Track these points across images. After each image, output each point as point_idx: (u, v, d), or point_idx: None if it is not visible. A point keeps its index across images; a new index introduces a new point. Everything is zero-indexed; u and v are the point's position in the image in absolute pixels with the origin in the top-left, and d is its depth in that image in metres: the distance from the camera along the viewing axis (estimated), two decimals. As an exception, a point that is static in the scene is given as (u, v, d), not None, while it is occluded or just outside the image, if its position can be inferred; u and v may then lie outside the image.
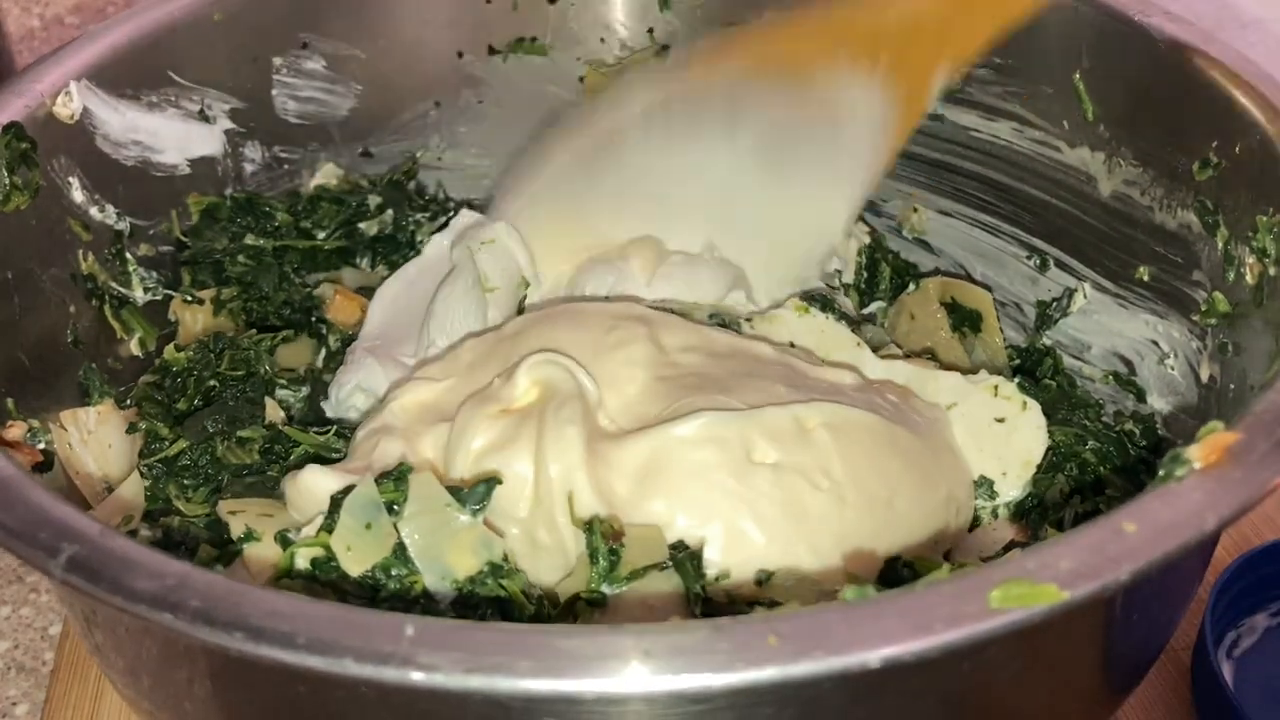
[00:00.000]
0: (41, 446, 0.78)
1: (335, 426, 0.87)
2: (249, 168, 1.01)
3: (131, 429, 0.84)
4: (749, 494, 0.73)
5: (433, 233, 1.02)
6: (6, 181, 0.81)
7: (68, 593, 0.65)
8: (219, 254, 0.97)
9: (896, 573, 0.74)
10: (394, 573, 0.69)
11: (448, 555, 0.69)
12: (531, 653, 0.49)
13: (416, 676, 0.49)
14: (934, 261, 1.05)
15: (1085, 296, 0.94)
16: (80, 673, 0.90)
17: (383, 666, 0.49)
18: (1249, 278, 0.76)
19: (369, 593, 0.69)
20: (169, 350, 0.90)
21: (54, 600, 0.97)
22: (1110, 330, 0.92)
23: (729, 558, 0.72)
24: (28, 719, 0.89)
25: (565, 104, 1.07)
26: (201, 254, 0.97)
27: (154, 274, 0.95)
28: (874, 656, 0.49)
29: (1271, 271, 0.73)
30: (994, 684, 0.60)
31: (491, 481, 0.72)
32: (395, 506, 0.70)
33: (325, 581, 0.69)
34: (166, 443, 0.83)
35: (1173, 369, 0.85)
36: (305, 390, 0.93)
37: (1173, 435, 0.83)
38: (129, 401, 0.86)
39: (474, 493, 0.71)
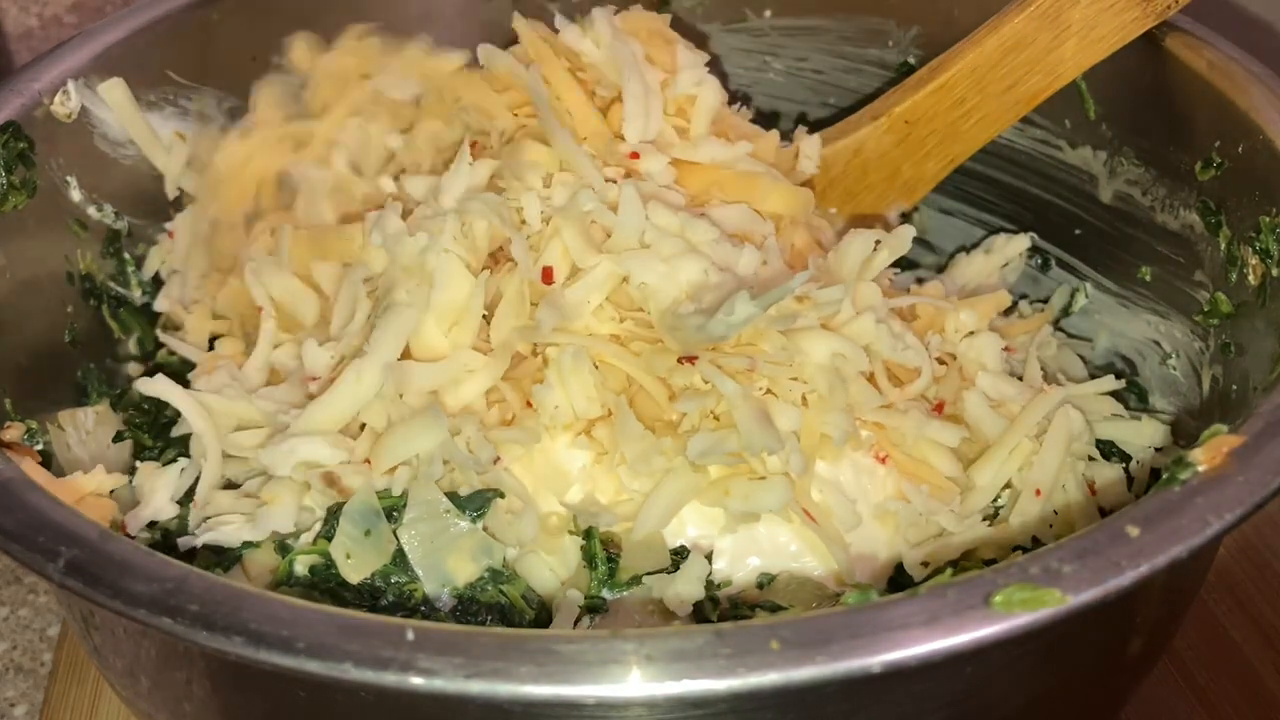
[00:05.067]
0: (39, 447, 0.78)
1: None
2: (248, 166, 1.01)
3: (118, 437, 0.84)
4: None
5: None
6: (4, 181, 0.81)
7: (66, 595, 0.65)
8: (217, 253, 0.97)
9: (903, 574, 0.74)
10: (393, 580, 0.69)
11: (447, 561, 0.69)
12: (532, 658, 0.49)
13: (416, 681, 0.49)
14: (935, 260, 1.04)
15: (1087, 296, 0.94)
16: (78, 674, 0.90)
17: (383, 671, 0.49)
18: (1251, 279, 0.75)
19: (368, 600, 0.69)
20: (162, 354, 0.89)
21: (52, 601, 0.96)
22: (1112, 330, 0.92)
23: (735, 565, 0.72)
24: (26, 720, 0.89)
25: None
26: (200, 253, 0.96)
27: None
28: (876, 661, 0.49)
29: (1274, 272, 0.73)
30: (996, 687, 0.59)
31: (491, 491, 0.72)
32: (395, 513, 0.69)
33: (324, 589, 0.69)
34: (156, 450, 0.82)
35: (1175, 369, 0.85)
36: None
37: (1175, 436, 0.83)
38: (118, 409, 0.85)
39: (473, 499, 0.71)
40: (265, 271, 0.82)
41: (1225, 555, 0.93)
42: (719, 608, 0.71)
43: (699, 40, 1.04)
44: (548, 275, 0.75)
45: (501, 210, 0.75)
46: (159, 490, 0.76)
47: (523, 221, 0.78)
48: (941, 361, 0.82)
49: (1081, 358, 0.93)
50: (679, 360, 0.71)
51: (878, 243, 0.79)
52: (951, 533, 0.74)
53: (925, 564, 0.74)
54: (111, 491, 0.80)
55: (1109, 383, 0.83)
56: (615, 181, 0.79)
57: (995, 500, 0.77)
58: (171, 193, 0.95)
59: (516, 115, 0.84)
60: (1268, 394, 0.62)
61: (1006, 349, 0.84)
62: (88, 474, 0.75)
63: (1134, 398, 0.88)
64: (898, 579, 0.74)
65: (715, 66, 1.07)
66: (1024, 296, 0.98)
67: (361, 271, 0.77)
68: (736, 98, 1.06)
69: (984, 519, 0.76)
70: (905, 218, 0.98)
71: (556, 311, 0.72)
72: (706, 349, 0.71)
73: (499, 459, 0.71)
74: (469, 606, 0.69)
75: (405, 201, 0.81)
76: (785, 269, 0.78)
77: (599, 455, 0.72)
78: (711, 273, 0.74)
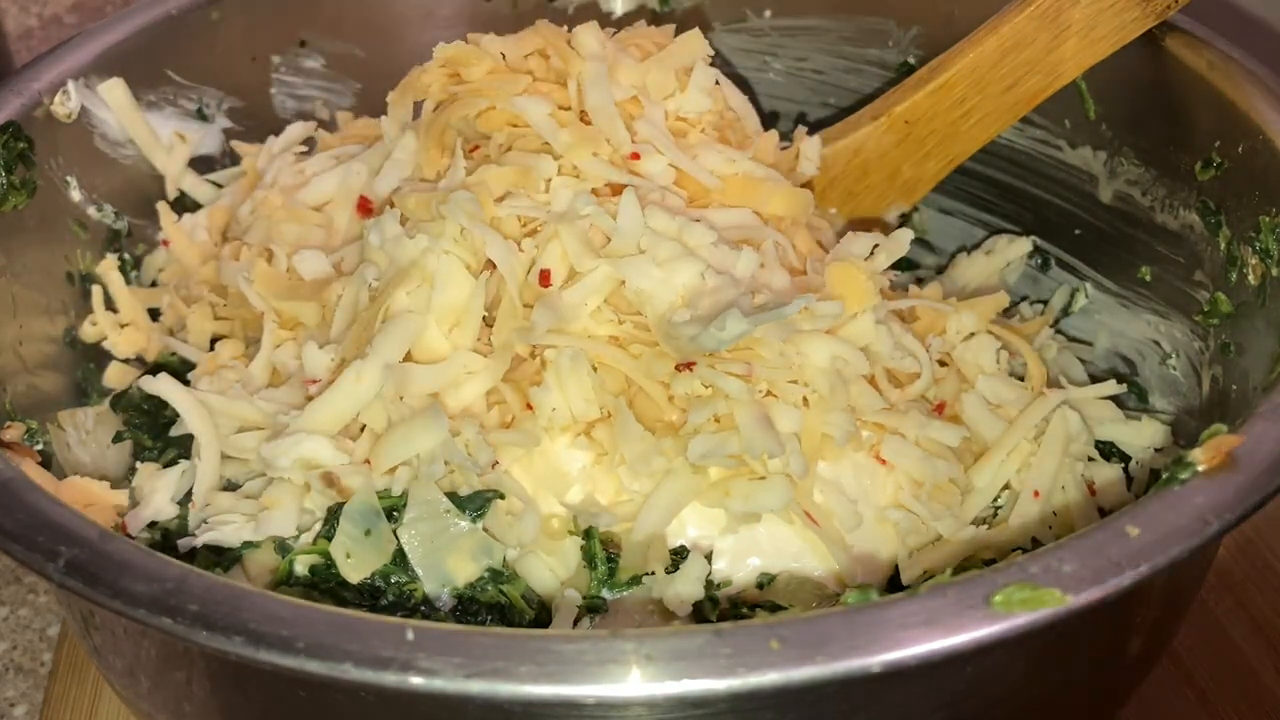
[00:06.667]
0: (39, 447, 0.78)
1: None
2: (248, 167, 1.01)
3: (118, 438, 0.84)
4: None
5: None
6: (4, 181, 0.81)
7: (66, 595, 0.65)
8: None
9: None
10: (393, 580, 0.69)
11: (447, 561, 0.69)
12: (532, 657, 0.49)
13: (416, 681, 0.49)
14: (935, 260, 1.04)
15: (1087, 296, 0.94)
16: (78, 674, 0.90)
17: (383, 671, 0.49)
18: (1251, 278, 0.75)
19: (368, 600, 0.69)
20: (161, 354, 0.89)
21: (52, 601, 0.96)
22: (1112, 330, 0.92)
23: (735, 565, 0.72)
24: (26, 720, 0.89)
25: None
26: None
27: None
28: (876, 661, 0.49)
29: (1274, 272, 0.73)
30: (996, 687, 0.59)
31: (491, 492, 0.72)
32: (395, 513, 0.69)
33: (324, 589, 0.69)
34: (155, 451, 0.82)
35: (1175, 369, 0.85)
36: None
37: (1175, 436, 0.83)
38: (118, 409, 0.85)
39: (473, 499, 0.70)
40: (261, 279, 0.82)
41: (1225, 555, 0.93)
42: (719, 608, 0.71)
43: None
44: (545, 278, 0.75)
45: (474, 211, 0.74)
46: (159, 491, 0.76)
47: (523, 224, 0.78)
48: (943, 363, 0.82)
49: (1081, 359, 0.93)
50: (676, 367, 0.71)
51: (876, 246, 0.79)
52: (949, 541, 0.74)
53: (925, 574, 0.74)
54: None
55: (1110, 387, 0.83)
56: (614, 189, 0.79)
57: (995, 501, 0.77)
58: (172, 193, 0.95)
59: (515, 126, 0.84)
60: (1268, 394, 0.62)
61: (1008, 352, 0.84)
62: (97, 486, 0.75)
63: (1134, 398, 0.88)
64: (898, 579, 0.74)
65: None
66: (1024, 298, 0.98)
67: (371, 271, 0.77)
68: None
69: (983, 524, 0.76)
70: (905, 218, 0.98)
71: (552, 313, 0.72)
72: (704, 355, 0.71)
73: (497, 463, 0.71)
74: (469, 606, 0.69)
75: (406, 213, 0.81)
76: (784, 273, 0.78)
77: (599, 456, 0.72)
78: (708, 276, 0.74)
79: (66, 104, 0.86)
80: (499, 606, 0.70)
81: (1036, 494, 0.75)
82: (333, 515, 0.70)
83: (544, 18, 0.92)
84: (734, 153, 0.85)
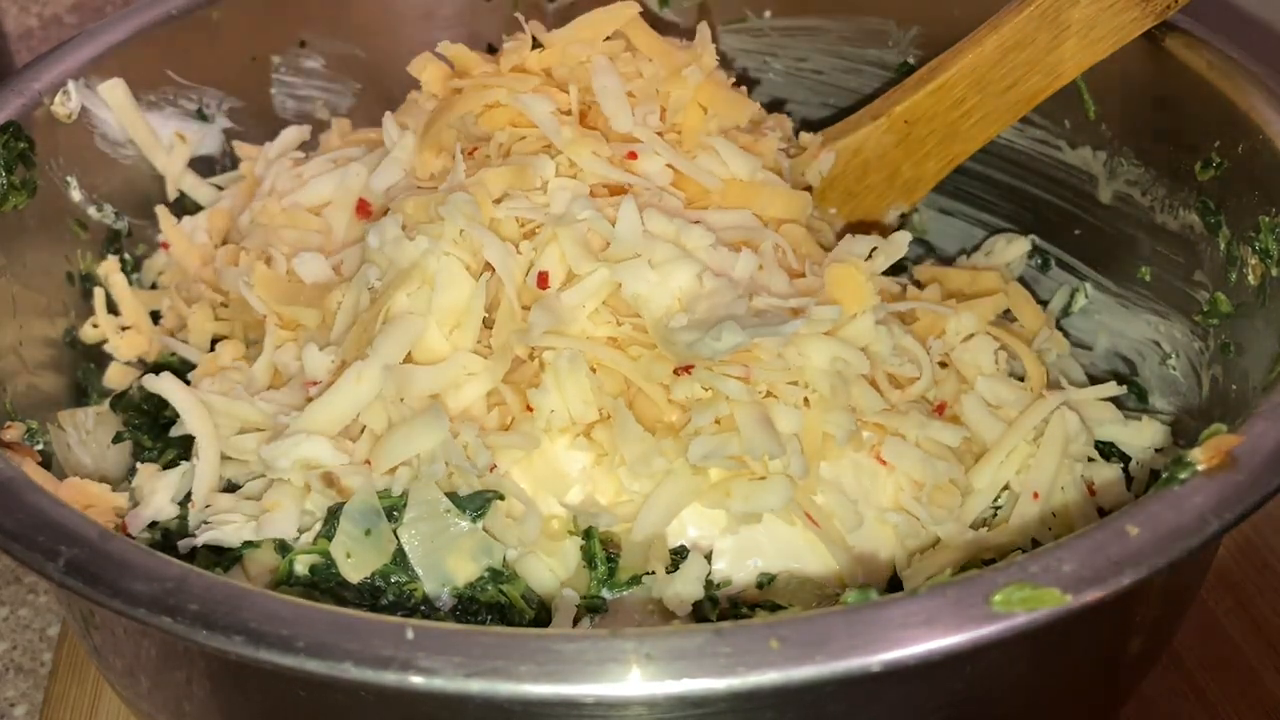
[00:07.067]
0: (39, 447, 0.78)
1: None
2: (248, 167, 1.01)
3: (118, 438, 0.84)
4: None
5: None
6: (4, 181, 0.81)
7: (66, 595, 0.65)
8: (217, 253, 0.97)
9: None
10: (394, 579, 0.69)
11: (447, 561, 0.69)
12: (532, 657, 0.49)
13: (416, 680, 0.49)
14: (935, 261, 1.04)
15: (1086, 296, 0.94)
16: (78, 674, 0.90)
17: (383, 671, 0.49)
18: (1251, 278, 0.75)
19: (368, 599, 0.69)
20: (161, 354, 0.89)
21: (52, 601, 0.96)
22: (1112, 330, 0.92)
23: (735, 565, 0.72)
24: (26, 720, 0.89)
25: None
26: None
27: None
28: (875, 661, 0.49)
29: (1274, 272, 0.73)
30: (996, 687, 0.59)
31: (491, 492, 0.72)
32: (395, 513, 0.69)
33: (325, 588, 0.69)
34: (155, 451, 0.82)
35: (1174, 369, 0.85)
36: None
37: (1175, 436, 0.83)
38: (117, 410, 0.85)
39: (473, 499, 0.71)
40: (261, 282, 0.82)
41: (1225, 555, 0.93)
42: (719, 608, 0.71)
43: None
44: (543, 280, 0.75)
45: (473, 213, 0.74)
46: (159, 491, 0.76)
47: (522, 226, 0.78)
48: (943, 364, 0.82)
49: (1080, 361, 0.93)
50: (675, 371, 0.71)
51: (874, 248, 0.79)
52: (949, 546, 0.74)
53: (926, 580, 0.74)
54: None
55: (1110, 388, 0.83)
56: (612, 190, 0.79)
57: (995, 502, 0.77)
58: (172, 194, 0.95)
59: (516, 126, 0.84)
60: (1268, 394, 0.62)
61: (1007, 353, 0.84)
62: (97, 487, 0.75)
63: (1134, 398, 0.88)
64: (898, 579, 0.74)
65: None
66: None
67: (373, 273, 0.77)
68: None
69: (983, 527, 0.76)
70: (904, 219, 0.98)
71: (550, 315, 0.72)
72: (701, 359, 0.71)
73: (494, 466, 0.71)
74: (469, 606, 0.69)
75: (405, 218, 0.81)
76: (783, 275, 0.78)
77: (599, 457, 0.72)
78: (706, 278, 0.74)
79: (66, 104, 0.86)
80: (499, 606, 0.70)
81: (1036, 495, 0.75)
82: (333, 515, 0.70)
83: (540, 17, 0.92)
84: (733, 154, 0.85)
